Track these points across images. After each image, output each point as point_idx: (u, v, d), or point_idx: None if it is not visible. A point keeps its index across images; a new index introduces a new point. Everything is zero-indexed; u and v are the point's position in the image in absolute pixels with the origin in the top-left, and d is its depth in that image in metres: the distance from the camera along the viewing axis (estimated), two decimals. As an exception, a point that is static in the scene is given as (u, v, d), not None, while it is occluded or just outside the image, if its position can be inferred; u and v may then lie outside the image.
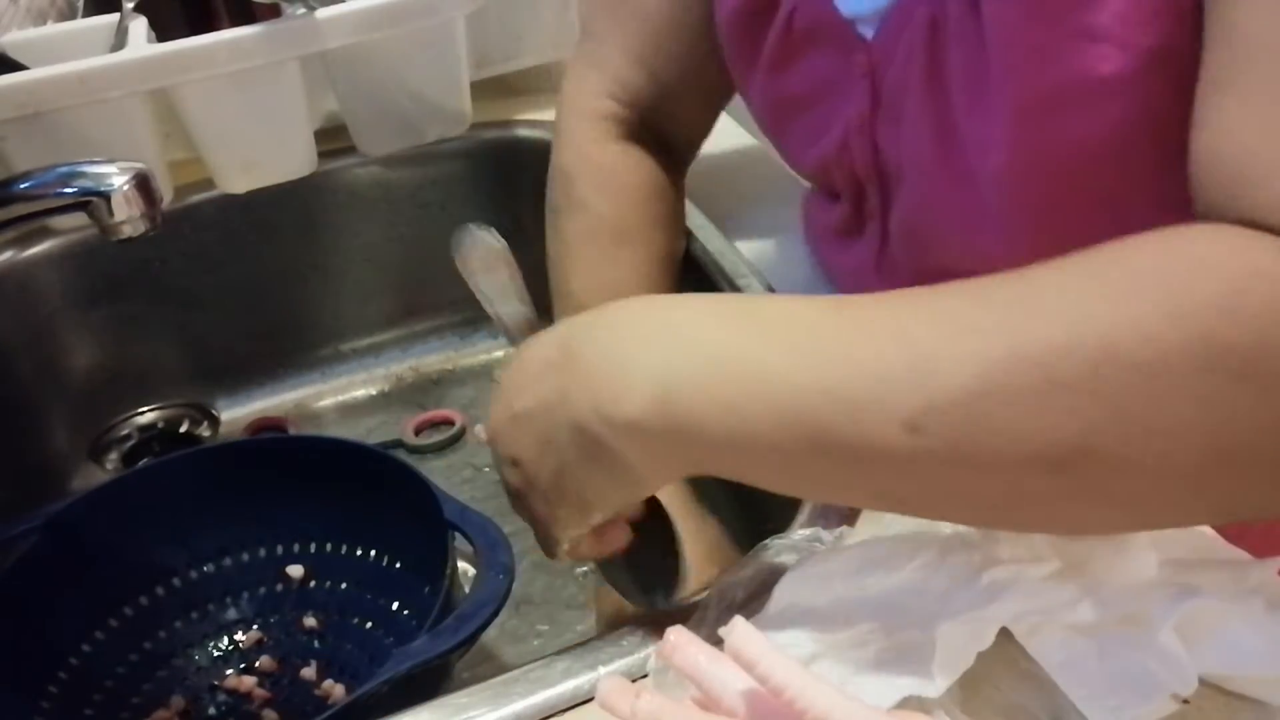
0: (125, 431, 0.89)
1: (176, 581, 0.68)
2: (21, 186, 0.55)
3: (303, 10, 0.74)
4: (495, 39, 0.91)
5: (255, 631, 0.69)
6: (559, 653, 0.47)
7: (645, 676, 0.44)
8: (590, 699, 0.44)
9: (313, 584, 0.69)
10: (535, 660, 0.46)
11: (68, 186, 0.54)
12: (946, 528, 0.45)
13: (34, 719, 0.60)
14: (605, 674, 0.45)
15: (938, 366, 0.35)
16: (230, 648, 0.68)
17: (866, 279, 0.62)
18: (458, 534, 0.58)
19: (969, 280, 0.37)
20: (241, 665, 0.67)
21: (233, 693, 0.66)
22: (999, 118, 0.46)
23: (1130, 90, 0.43)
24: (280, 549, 0.69)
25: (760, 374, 0.38)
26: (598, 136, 0.69)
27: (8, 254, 0.82)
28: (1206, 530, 0.46)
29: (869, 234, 0.61)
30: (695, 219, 0.77)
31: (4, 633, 0.60)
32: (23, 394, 0.83)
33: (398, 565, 0.66)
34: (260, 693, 0.66)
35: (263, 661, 0.67)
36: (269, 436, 0.87)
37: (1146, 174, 0.45)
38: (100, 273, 0.85)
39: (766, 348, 0.39)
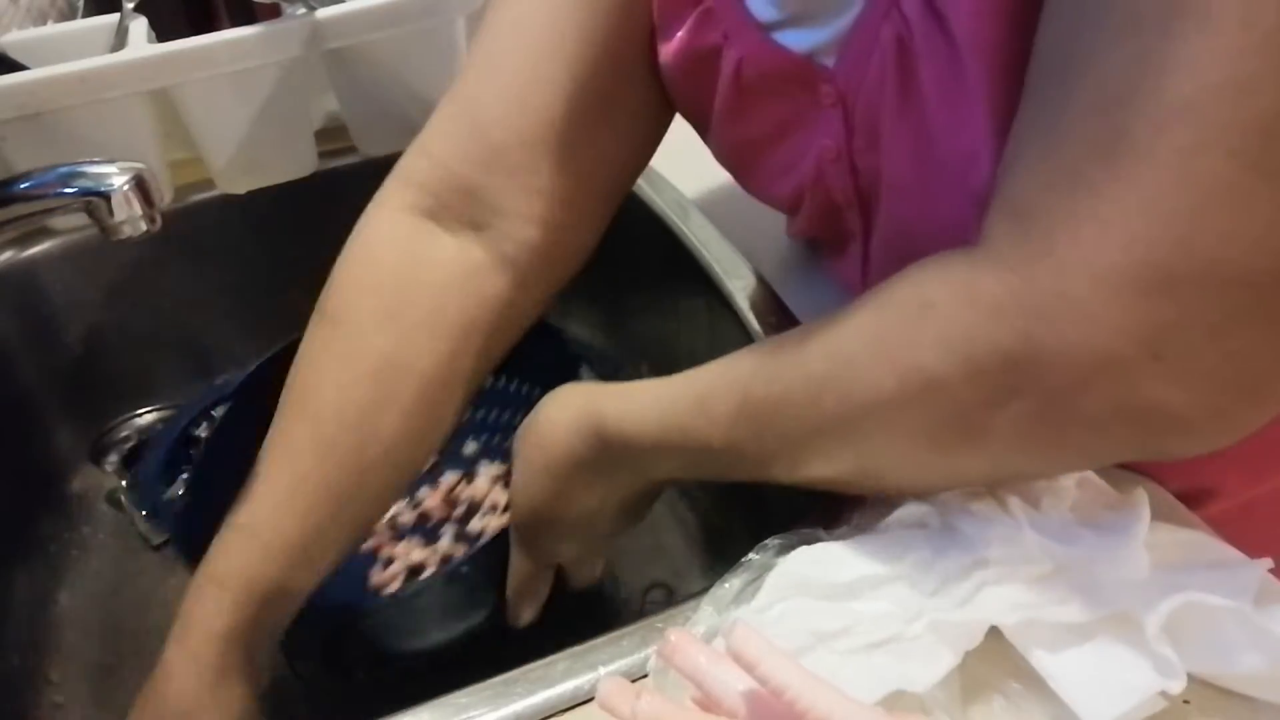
0: (125, 432, 0.89)
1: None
2: (21, 186, 0.54)
3: (303, 10, 0.74)
4: (495, 39, 0.91)
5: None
6: (559, 653, 0.47)
7: (645, 676, 0.44)
8: (590, 699, 0.44)
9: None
10: (535, 660, 0.46)
11: (68, 186, 0.54)
12: (939, 524, 0.45)
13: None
14: (605, 674, 0.45)
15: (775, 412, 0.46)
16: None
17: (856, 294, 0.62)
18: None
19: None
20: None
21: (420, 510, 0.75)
22: (981, 132, 0.44)
23: None
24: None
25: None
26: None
27: (8, 254, 0.82)
28: (1200, 530, 0.46)
29: (851, 254, 0.59)
30: (693, 216, 0.77)
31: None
32: (23, 394, 0.83)
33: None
34: (441, 513, 0.74)
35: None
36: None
37: None
38: (100, 273, 0.85)
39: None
